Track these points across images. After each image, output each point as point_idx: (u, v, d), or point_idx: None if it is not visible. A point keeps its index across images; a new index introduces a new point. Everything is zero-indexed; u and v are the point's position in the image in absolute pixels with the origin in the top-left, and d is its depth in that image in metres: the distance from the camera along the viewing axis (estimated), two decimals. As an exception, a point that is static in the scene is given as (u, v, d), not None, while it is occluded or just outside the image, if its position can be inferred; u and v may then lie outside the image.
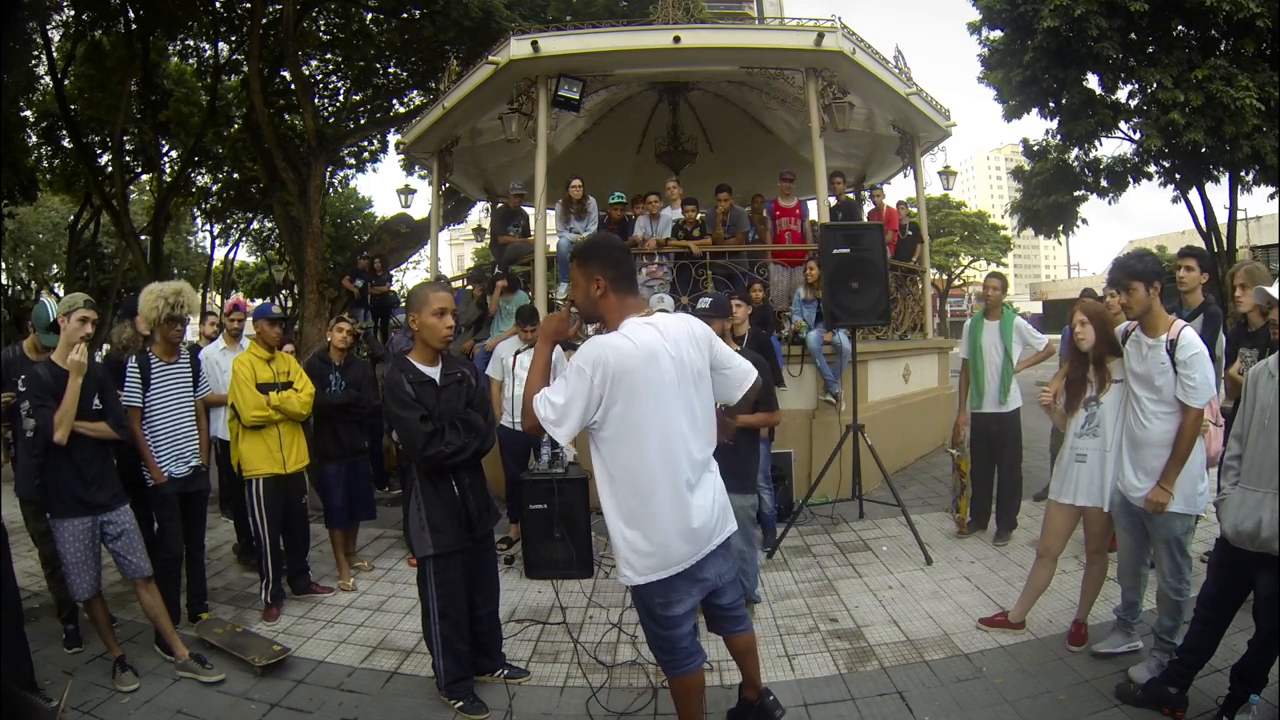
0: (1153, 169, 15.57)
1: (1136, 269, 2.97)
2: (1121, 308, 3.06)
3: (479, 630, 3.26)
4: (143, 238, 17.98)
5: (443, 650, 3.09)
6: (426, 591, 3.08)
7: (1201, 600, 2.85)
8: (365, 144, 18.17)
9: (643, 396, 2.26)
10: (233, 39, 15.46)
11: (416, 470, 3.06)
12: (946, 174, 11.60)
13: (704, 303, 3.94)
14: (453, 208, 15.58)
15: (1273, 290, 2.98)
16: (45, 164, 18.38)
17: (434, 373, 3.06)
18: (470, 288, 7.64)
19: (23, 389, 3.24)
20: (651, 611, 2.41)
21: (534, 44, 6.66)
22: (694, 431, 2.37)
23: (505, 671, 3.34)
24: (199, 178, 20.23)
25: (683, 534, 2.33)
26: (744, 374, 2.56)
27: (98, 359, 3.92)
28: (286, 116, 15.93)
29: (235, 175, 19.56)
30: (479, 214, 16.77)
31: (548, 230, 7.76)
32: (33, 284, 28.21)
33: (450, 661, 3.09)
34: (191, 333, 5.03)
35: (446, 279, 8.89)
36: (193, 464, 3.92)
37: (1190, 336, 2.92)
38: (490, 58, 6.98)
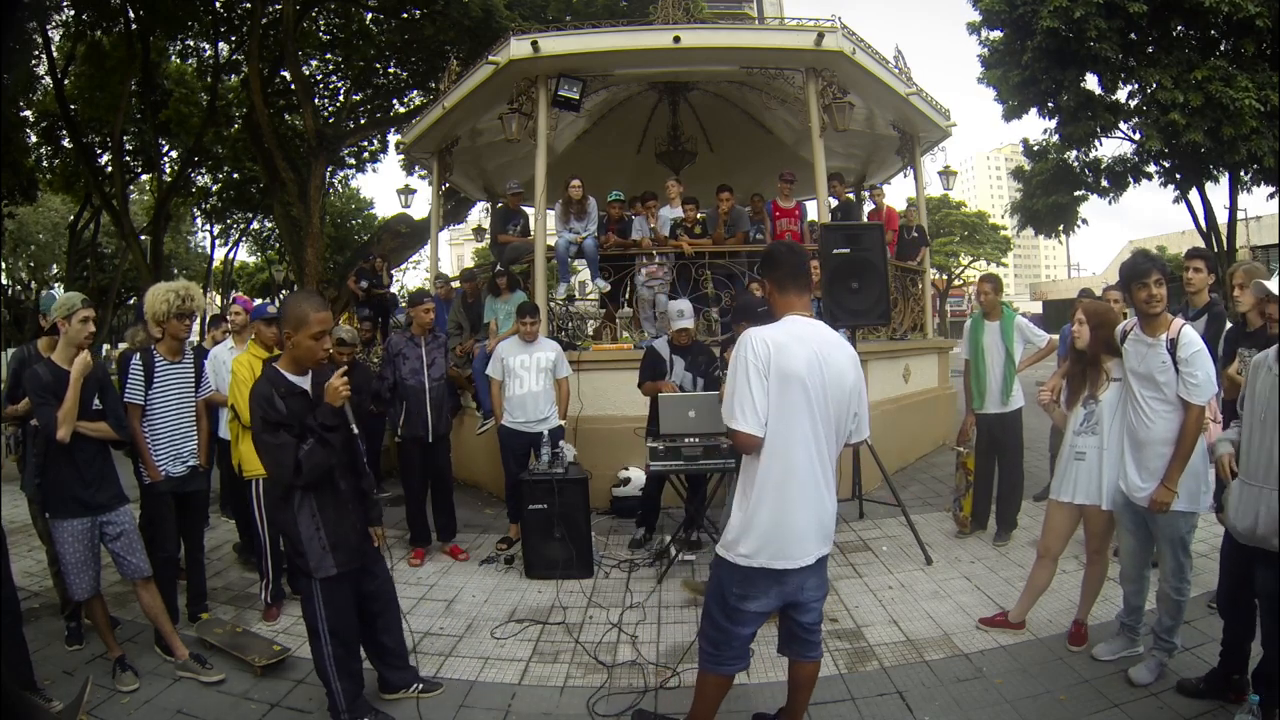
0: (1153, 169, 15.59)
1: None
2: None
3: (382, 641, 3.09)
4: (143, 238, 18.01)
5: (337, 672, 2.83)
6: (315, 613, 2.81)
7: (1219, 598, 2.93)
8: (365, 144, 18.22)
9: (791, 385, 2.30)
10: (233, 39, 15.50)
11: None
12: (946, 174, 11.62)
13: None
14: (453, 208, 15.61)
15: (1270, 284, 2.98)
16: (45, 164, 18.41)
17: (305, 383, 2.83)
18: (465, 287, 7.63)
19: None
20: (725, 598, 2.39)
21: (534, 44, 6.65)
22: (828, 442, 2.38)
23: (420, 685, 3.17)
24: (199, 178, 20.27)
25: (793, 534, 2.34)
26: (863, 431, 2.56)
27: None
28: (286, 116, 15.96)
29: (235, 175, 19.60)
30: (479, 214, 16.81)
31: (548, 230, 7.75)
32: (33, 284, 28.21)
33: (346, 681, 2.85)
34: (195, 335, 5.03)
35: (446, 278, 8.89)
36: (190, 464, 3.91)
37: (1190, 334, 2.94)
38: (490, 58, 6.98)
